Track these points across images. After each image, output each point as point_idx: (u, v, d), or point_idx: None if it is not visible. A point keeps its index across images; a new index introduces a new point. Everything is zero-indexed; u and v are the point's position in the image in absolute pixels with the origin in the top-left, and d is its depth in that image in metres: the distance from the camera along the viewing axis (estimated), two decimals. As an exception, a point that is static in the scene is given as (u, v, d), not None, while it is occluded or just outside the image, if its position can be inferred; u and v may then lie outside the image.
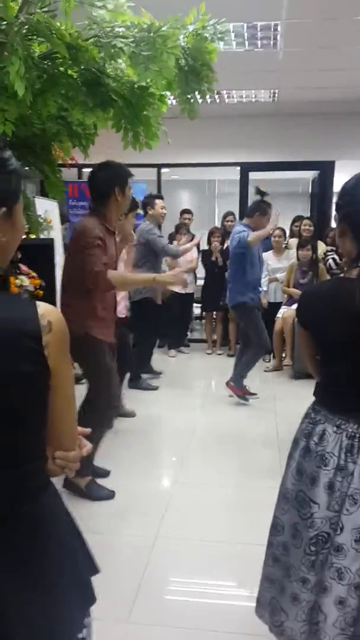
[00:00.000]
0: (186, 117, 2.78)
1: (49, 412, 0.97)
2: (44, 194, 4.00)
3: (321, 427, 1.50)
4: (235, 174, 7.43)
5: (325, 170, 7.15)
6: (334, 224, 6.28)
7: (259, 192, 4.56)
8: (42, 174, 3.19)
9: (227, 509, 2.88)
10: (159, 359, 5.76)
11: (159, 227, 5.07)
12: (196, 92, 2.78)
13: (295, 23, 4.28)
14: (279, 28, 4.42)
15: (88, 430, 1.10)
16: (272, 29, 4.46)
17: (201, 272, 6.60)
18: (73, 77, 2.49)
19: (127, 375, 4.73)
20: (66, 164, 3.89)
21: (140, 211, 4.77)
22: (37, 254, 2.94)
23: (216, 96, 6.23)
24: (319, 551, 1.46)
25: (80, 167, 6.54)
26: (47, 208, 4.48)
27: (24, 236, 1.06)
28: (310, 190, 8.68)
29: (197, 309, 6.98)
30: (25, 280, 2.76)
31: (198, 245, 6.29)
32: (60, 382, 0.97)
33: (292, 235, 6.54)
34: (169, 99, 2.91)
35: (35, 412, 0.95)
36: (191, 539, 2.57)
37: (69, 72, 2.47)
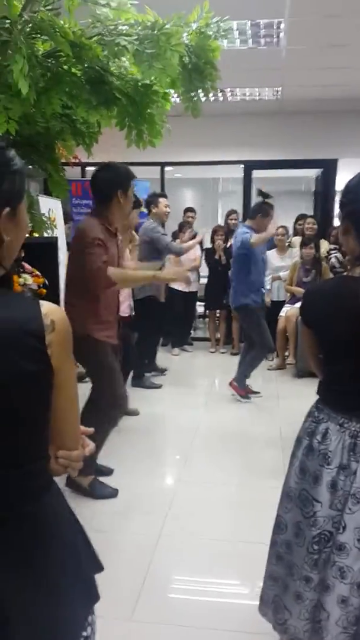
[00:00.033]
0: (189, 115, 2.78)
1: (51, 412, 0.97)
2: (47, 192, 4.00)
3: (324, 426, 1.49)
4: (238, 172, 7.42)
5: (329, 168, 7.14)
6: (337, 222, 6.28)
7: (261, 194, 4.57)
8: (45, 173, 3.20)
9: (230, 507, 2.88)
10: (163, 357, 5.76)
11: (163, 225, 5.07)
12: (199, 90, 2.78)
13: (299, 21, 4.27)
14: (282, 26, 4.41)
15: (91, 429, 1.10)
16: (276, 27, 4.44)
17: (204, 270, 6.60)
18: (77, 75, 2.49)
19: (131, 374, 4.75)
20: (70, 162, 3.88)
21: (143, 209, 4.77)
22: (41, 253, 2.94)
23: (219, 94, 6.22)
24: (321, 550, 1.46)
25: (83, 165, 6.55)
26: (50, 206, 4.48)
27: (27, 235, 1.06)
28: (313, 189, 8.65)
29: (200, 308, 6.97)
30: (28, 279, 2.76)
31: (201, 244, 6.28)
32: (63, 381, 0.97)
33: (295, 234, 6.52)
34: (173, 96, 2.91)
35: (38, 411, 0.95)
36: (194, 538, 2.57)
37: (73, 70, 2.47)
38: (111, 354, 2.83)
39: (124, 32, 2.44)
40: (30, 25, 2.25)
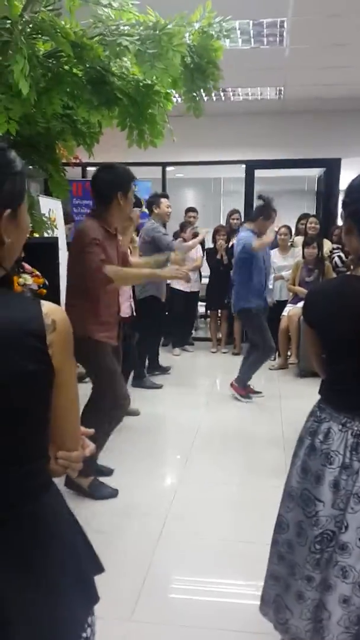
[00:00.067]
0: (191, 115, 2.77)
1: (52, 412, 0.97)
2: (48, 192, 4.00)
3: (326, 425, 1.49)
4: (240, 171, 7.42)
5: (332, 167, 7.13)
6: (340, 222, 6.27)
7: (261, 198, 4.57)
8: (46, 173, 3.20)
9: (231, 507, 2.87)
10: (164, 357, 5.76)
11: (164, 225, 5.07)
12: (202, 90, 2.78)
13: (302, 20, 4.26)
14: (285, 25, 4.40)
15: (91, 431, 1.10)
16: (278, 26, 4.44)
17: (206, 270, 6.60)
18: (78, 75, 2.49)
19: (132, 374, 4.75)
20: (70, 162, 3.89)
21: (145, 210, 4.77)
22: (41, 253, 2.94)
23: (222, 94, 6.22)
24: (323, 549, 1.46)
25: (84, 165, 6.55)
26: (51, 207, 4.49)
27: (27, 235, 1.06)
28: (316, 188, 8.65)
29: (201, 308, 6.97)
30: (28, 279, 2.77)
31: (203, 244, 6.28)
32: (64, 381, 0.97)
33: (297, 233, 6.52)
34: (175, 96, 2.91)
35: (39, 411, 0.95)
36: (195, 537, 2.57)
37: (74, 70, 2.47)
38: (111, 354, 2.83)
39: (126, 32, 2.43)
40: (31, 25, 2.26)
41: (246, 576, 2.23)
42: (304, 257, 5.65)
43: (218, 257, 6.28)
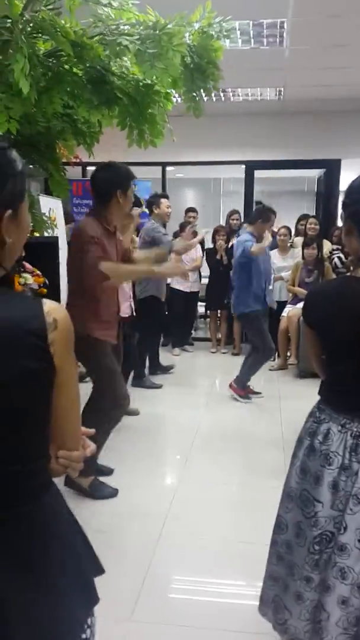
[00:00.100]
0: (191, 115, 2.77)
1: (53, 411, 0.97)
2: (48, 192, 4.00)
3: (326, 426, 1.49)
4: (240, 172, 7.41)
5: (332, 168, 7.13)
6: (340, 223, 6.26)
7: (259, 203, 4.59)
8: (46, 172, 3.19)
9: (230, 507, 2.87)
10: (163, 357, 5.76)
11: (164, 226, 5.07)
12: (202, 90, 2.78)
13: (302, 21, 4.26)
14: (285, 26, 4.40)
15: (92, 431, 1.10)
16: (278, 27, 4.44)
17: (206, 270, 6.60)
18: (78, 75, 2.49)
19: (132, 374, 4.75)
20: (70, 162, 3.89)
21: (145, 210, 4.77)
22: (41, 252, 2.95)
23: (222, 94, 6.22)
24: (322, 550, 1.46)
25: (84, 165, 6.55)
26: (51, 206, 4.49)
27: (28, 234, 1.06)
28: (316, 189, 8.64)
29: (201, 308, 6.97)
30: (29, 278, 2.77)
31: (202, 244, 6.27)
32: (65, 380, 0.96)
33: (297, 234, 6.52)
34: (175, 96, 2.91)
35: (40, 410, 0.95)
36: (194, 538, 2.57)
37: (74, 70, 2.47)
38: (111, 354, 2.83)
39: (126, 31, 2.44)
40: (31, 24, 2.26)
41: (246, 576, 2.23)
42: (303, 257, 5.65)
43: (218, 257, 6.28)
